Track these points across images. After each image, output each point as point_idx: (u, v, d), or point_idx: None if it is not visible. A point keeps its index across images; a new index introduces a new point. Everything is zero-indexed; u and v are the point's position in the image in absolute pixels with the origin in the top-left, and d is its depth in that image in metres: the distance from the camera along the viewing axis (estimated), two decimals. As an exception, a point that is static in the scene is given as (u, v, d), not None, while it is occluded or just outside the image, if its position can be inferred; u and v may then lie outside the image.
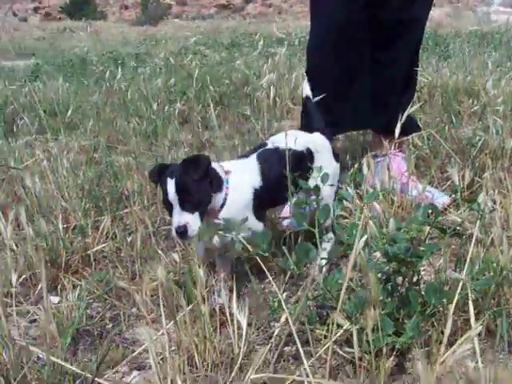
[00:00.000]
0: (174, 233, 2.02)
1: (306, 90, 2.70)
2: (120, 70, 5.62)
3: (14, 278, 2.08)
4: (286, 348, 1.95)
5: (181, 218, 1.99)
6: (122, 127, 4.51)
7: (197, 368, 1.83)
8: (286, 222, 2.55)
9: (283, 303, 1.79)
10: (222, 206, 2.15)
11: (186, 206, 2.00)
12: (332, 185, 2.42)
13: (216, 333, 1.92)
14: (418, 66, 3.27)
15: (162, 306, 1.92)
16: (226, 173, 2.17)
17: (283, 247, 2.20)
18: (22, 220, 2.62)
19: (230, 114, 4.92)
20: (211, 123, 4.32)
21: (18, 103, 5.42)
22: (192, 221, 2.00)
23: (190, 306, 1.89)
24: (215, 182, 2.11)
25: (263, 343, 1.98)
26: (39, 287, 2.46)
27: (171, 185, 1.98)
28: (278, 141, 2.38)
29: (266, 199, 2.26)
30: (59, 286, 2.48)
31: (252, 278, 2.12)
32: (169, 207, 2.03)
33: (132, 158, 3.59)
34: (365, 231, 2.19)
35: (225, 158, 3.22)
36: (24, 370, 1.77)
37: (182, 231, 1.99)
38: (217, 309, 2.00)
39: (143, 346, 2.00)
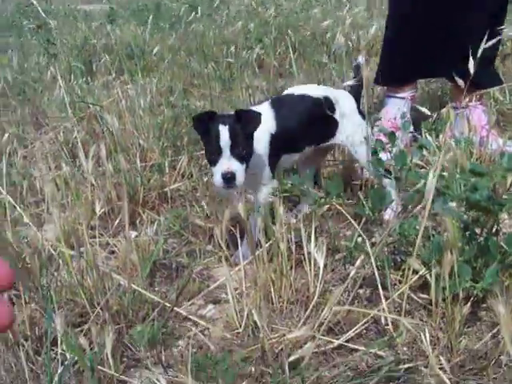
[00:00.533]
0: (219, 180, 1.98)
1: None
2: (195, 15, 5.61)
3: (97, 208, 2.14)
4: (359, 290, 1.97)
5: (231, 164, 1.96)
6: (197, 71, 4.53)
7: (273, 304, 1.87)
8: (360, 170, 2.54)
9: (367, 244, 1.80)
10: None
11: (236, 154, 1.97)
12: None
13: (293, 271, 1.95)
14: (503, 19, 3.16)
15: (239, 242, 1.96)
16: None
17: (359, 193, 2.21)
18: (102, 156, 2.69)
19: (305, 62, 4.87)
20: (288, 70, 4.29)
21: (96, 45, 5.49)
22: (240, 170, 1.97)
23: (269, 243, 1.91)
24: None
25: (338, 284, 2.00)
26: (117, 221, 2.54)
27: (225, 131, 1.95)
28: (295, 90, 2.36)
29: (281, 146, 2.22)
30: (137, 221, 2.55)
31: (329, 221, 2.14)
32: (217, 154, 1.97)
33: (208, 102, 3.61)
34: (442, 179, 2.17)
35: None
36: (106, 295, 1.83)
37: (230, 177, 1.96)
38: (293, 248, 2.01)
39: (220, 281, 2.05)
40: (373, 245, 1.93)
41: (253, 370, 1.61)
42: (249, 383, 1.57)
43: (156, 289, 2.13)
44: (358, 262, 1.89)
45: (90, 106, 3.51)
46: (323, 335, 1.71)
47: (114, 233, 2.51)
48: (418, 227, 1.98)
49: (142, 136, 3.12)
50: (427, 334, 1.53)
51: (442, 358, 1.55)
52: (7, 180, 2.74)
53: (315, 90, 2.37)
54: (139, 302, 1.91)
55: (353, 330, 1.74)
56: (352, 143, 2.38)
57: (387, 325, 1.76)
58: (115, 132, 3.07)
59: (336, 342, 1.70)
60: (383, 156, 2.28)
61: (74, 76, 4.50)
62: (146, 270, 2.05)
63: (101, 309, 1.80)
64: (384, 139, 2.32)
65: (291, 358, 1.54)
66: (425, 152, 2.46)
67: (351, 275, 1.86)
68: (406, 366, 1.58)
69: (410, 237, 2.00)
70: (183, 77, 4.51)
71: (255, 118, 2.00)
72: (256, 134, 2.05)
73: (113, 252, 2.37)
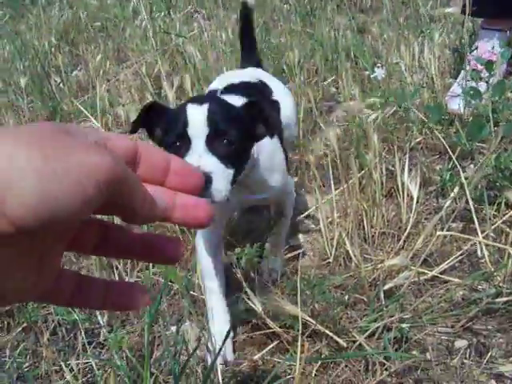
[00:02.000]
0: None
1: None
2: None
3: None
4: (452, 224, 1.91)
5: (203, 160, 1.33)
6: (278, 7, 4.44)
7: (364, 234, 1.84)
8: (455, 101, 2.44)
9: (462, 176, 1.75)
10: None
11: (216, 148, 1.31)
12: None
13: (384, 201, 1.91)
14: None
15: (330, 171, 1.92)
16: None
17: (456, 123, 2.14)
18: (186, 87, 2.69)
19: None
20: (371, 4, 4.17)
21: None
22: (219, 172, 1.30)
23: (361, 173, 1.88)
24: None
25: (430, 217, 1.95)
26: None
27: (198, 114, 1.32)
28: (228, 79, 1.83)
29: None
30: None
31: (421, 153, 2.08)
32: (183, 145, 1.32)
33: (289, 37, 3.55)
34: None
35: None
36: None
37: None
38: (383, 180, 1.97)
39: (310, 210, 2.03)
40: (466, 178, 1.87)
41: (346, 297, 1.59)
42: (342, 310, 1.55)
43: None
44: (452, 194, 1.83)
45: (173, 38, 3.49)
46: (417, 266, 1.68)
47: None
48: (516, 160, 1.91)
49: (223, 69, 3.09)
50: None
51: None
52: (97, 111, 2.79)
53: (245, 75, 1.88)
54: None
55: (447, 262, 1.70)
56: None
57: (482, 257, 1.71)
58: (196, 64, 3.06)
59: (430, 274, 1.66)
60: (481, 87, 2.19)
61: (155, 8, 4.48)
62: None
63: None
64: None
65: (386, 287, 1.53)
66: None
67: (445, 206, 1.80)
68: (505, 298, 1.53)
69: (506, 170, 1.93)
70: (263, 12, 4.43)
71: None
72: None
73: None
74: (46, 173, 0.38)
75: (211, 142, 1.26)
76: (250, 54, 2.12)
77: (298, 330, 1.29)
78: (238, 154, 1.32)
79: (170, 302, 1.76)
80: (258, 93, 1.74)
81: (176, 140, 1.28)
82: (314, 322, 1.42)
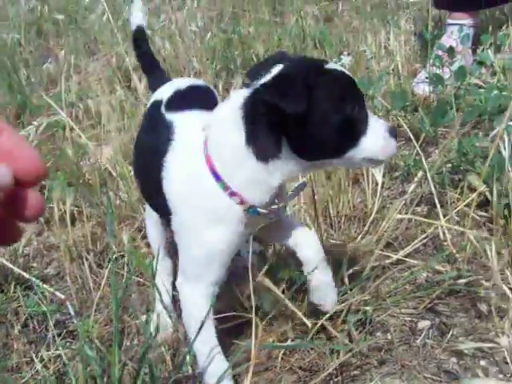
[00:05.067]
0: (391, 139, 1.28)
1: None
2: None
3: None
4: (417, 208, 1.95)
5: None
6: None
7: (331, 219, 1.87)
8: (420, 87, 2.49)
9: (423, 161, 1.78)
10: None
11: None
12: None
13: (350, 188, 1.94)
14: None
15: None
16: None
17: (419, 109, 2.18)
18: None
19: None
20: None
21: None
22: None
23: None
24: None
25: (395, 202, 1.98)
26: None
27: None
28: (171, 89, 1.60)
29: None
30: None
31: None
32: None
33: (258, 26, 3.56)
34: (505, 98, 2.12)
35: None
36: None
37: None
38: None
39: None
40: (430, 164, 1.91)
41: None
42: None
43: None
44: (415, 179, 1.87)
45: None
46: (381, 250, 1.71)
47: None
48: (477, 144, 1.95)
49: (194, 59, 3.11)
50: (493, 246, 1.50)
51: (506, 271, 1.54)
52: (64, 104, 2.79)
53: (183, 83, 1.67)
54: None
55: (411, 245, 1.73)
56: None
57: (445, 240, 1.75)
58: (166, 55, 3.07)
59: (394, 257, 1.70)
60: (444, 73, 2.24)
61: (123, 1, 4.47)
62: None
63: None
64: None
65: (351, 270, 1.56)
66: (483, 70, 2.41)
67: (410, 191, 1.84)
68: (467, 280, 1.57)
69: (468, 154, 1.97)
70: (233, 1, 4.44)
71: None
72: None
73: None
74: None
75: None
76: (161, 73, 1.82)
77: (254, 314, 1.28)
78: None
79: (140, 290, 1.78)
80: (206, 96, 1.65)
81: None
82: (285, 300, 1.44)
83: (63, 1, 5.08)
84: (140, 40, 1.80)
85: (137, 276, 1.78)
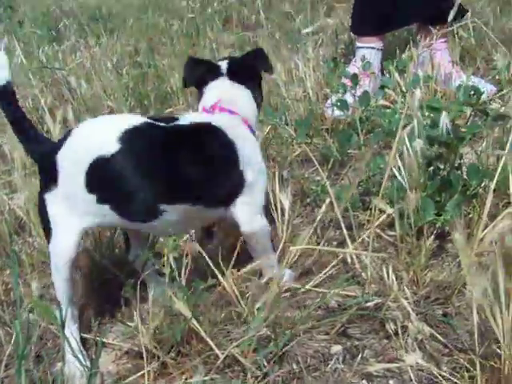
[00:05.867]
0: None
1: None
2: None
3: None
4: (331, 233, 1.98)
5: None
6: (163, 29, 4.49)
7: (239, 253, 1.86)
8: (329, 111, 2.55)
9: (328, 187, 1.82)
10: None
11: None
12: None
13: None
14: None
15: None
16: None
17: (326, 135, 2.23)
18: (70, 119, 2.69)
19: (272, 14, 4.82)
20: (255, 21, 4.27)
21: (60, 11, 5.43)
22: None
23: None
24: None
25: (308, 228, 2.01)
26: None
27: None
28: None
29: None
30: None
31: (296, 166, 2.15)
32: None
33: (174, 58, 3.59)
34: (406, 118, 2.19)
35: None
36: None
37: None
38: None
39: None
40: (341, 187, 1.95)
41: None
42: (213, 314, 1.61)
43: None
44: (325, 204, 1.90)
45: (55, 70, 3.49)
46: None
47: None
48: (382, 166, 2.01)
49: (110, 97, 3.11)
50: (390, 269, 1.56)
51: (407, 290, 1.59)
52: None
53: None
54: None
55: (324, 272, 1.76)
56: None
57: (354, 264, 1.79)
58: (82, 94, 3.06)
59: (303, 288, 1.73)
60: (348, 98, 2.30)
61: (39, 43, 4.45)
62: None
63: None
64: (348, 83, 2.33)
65: (260, 302, 1.57)
66: (391, 91, 2.48)
67: (318, 218, 1.88)
68: (375, 302, 1.61)
69: (375, 176, 2.03)
70: (149, 36, 4.47)
71: None
72: None
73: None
74: None
75: None
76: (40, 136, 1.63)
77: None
78: None
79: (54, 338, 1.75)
80: None
81: None
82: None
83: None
84: (9, 102, 1.54)
85: (51, 324, 1.76)
